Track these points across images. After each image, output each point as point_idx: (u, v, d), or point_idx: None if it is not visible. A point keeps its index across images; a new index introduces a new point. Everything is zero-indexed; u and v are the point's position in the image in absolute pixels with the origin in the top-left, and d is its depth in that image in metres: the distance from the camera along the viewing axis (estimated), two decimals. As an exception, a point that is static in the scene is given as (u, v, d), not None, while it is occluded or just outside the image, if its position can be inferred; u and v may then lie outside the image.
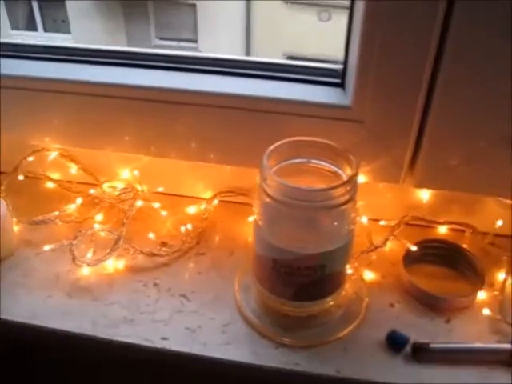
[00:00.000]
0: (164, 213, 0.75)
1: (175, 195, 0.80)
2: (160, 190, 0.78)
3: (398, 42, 0.58)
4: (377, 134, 0.66)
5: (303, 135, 0.62)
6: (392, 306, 0.67)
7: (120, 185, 0.78)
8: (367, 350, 0.62)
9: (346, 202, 0.55)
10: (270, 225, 0.59)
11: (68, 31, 5.02)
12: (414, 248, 0.69)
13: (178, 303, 0.66)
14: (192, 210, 0.76)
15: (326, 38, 3.99)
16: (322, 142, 0.60)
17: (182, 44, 4.79)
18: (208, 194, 0.78)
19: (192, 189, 0.79)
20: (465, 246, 0.72)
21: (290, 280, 0.60)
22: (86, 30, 4.90)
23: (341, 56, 0.68)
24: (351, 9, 0.64)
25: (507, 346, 0.61)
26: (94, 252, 0.70)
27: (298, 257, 0.58)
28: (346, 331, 0.63)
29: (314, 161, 0.61)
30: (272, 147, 0.59)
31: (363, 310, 0.65)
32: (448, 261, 0.71)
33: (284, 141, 0.60)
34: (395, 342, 0.62)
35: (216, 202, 0.77)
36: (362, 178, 0.67)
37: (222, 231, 0.76)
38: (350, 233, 0.59)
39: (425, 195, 0.73)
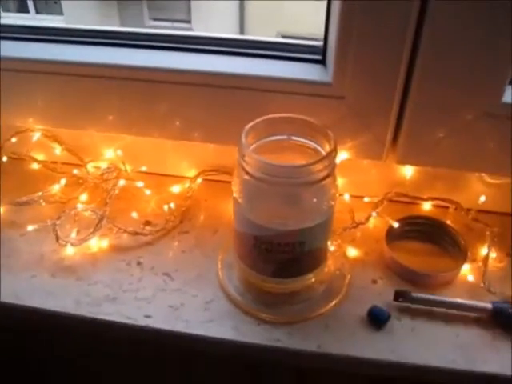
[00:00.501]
0: (148, 192, 0.75)
1: (159, 174, 0.80)
2: (144, 169, 0.78)
3: (377, 17, 0.58)
4: (358, 111, 0.66)
5: (284, 112, 0.62)
6: (374, 282, 0.67)
7: (104, 165, 0.77)
8: (349, 326, 0.62)
9: (325, 178, 0.55)
10: (249, 202, 0.59)
11: (60, 12, 4.98)
12: (396, 224, 0.69)
13: (161, 281, 0.66)
14: (176, 188, 0.76)
15: (320, 17, 3.95)
16: (300, 119, 0.60)
17: (176, 25, 4.74)
18: (192, 173, 0.78)
19: (176, 168, 0.79)
20: (448, 222, 0.72)
21: (270, 256, 0.60)
22: (79, 11, 4.86)
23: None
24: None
25: (487, 304, 0.61)
26: (78, 232, 0.70)
27: (278, 233, 0.58)
28: (327, 307, 0.63)
29: (293, 137, 0.61)
30: (250, 124, 0.59)
31: (345, 287, 0.66)
32: (431, 237, 0.71)
33: (262, 118, 0.60)
34: (376, 318, 0.62)
35: (200, 180, 0.77)
36: (344, 155, 0.68)
37: (205, 210, 0.76)
38: (330, 209, 0.59)
39: (408, 171, 0.73)
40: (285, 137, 0.61)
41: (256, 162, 0.56)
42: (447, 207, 0.73)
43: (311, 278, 0.63)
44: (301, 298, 0.64)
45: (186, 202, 0.75)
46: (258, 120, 0.60)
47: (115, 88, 0.70)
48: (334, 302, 0.64)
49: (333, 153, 0.56)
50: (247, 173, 0.56)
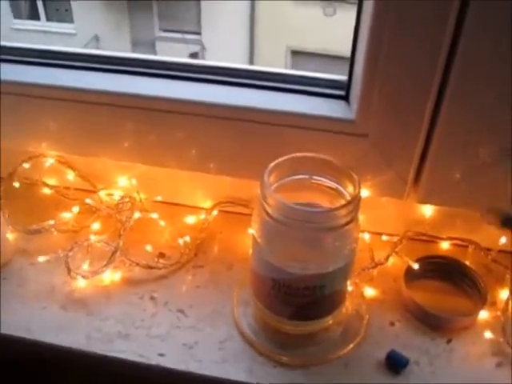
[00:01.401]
0: (162, 223, 0.74)
1: (174, 204, 0.78)
2: (158, 198, 0.77)
3: (405, 52, 0.57)
4: (381, 148, 0.65)
5: (305, 149, 0.61)
6: (392, 324, 0.65)
7: (118, 192, 0.76)
8: (367, 370, 0.60)
9: (349, 223, 0.54)
10: (269, 243, 0.58)
11: (71, 20, 5.00)
12: (416, 266, 0.68)
13: (174, 318, 0.65)
14: (191, 219, 0.75)
15: (330, 32, 3.97)
16: (323, 159, 0.59)
17: (186, 36, 4.76)
18: (207, 204, 0.77)
19: (191, 198, 0.78)
20: (467, 262, 0.70)
21: (289, 300, 0.59)
22: (89, 19, 4.88)
23: (344, 50, 0.67)
24: (358, 16, 0.62)
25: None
26: (90, 263, 0.69)
27: (298, 277, 0.56)
28: (345, 350, 0.62)
29: (315, 177, 0.60)
30: (273, 164, 0.58)
31: (363, 328, 0.64)
32: (450, 277, 0.70)
33: (285, 157, 0.59)
34: (395, 363, 0.61)
35: (215, 212, 0.75)
36: (364, 193, 0.66)
37: (220, 243, 0.74)
38: (352, 252, 0.58)
39: (428, 210, 0.71)
40: (307, 176, 0.60)
41: (278, 204, 0.54)
42: (466, 247, 0.72)
43: (329, 320, 0.62)
44: (318, 339, 0.63)
45: (200, 235, 0.73)
46: (281, 159, 0.58)
47: (130, 116, 0.69)
48: (351, 346, 0.62)
49: (357, 197, 0.54)
50: (268, 214, 0.55)
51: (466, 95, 0.58)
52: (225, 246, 0.74)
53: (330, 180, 0.59)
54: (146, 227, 0.74)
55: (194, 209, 0.77)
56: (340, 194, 0.58)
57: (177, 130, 0.69)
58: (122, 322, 0.64)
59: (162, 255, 0.72)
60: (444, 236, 0.72)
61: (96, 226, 0.74)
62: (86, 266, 0.68)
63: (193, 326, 0.64)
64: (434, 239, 0.73)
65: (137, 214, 0.72)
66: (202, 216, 0.75)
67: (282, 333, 0.62)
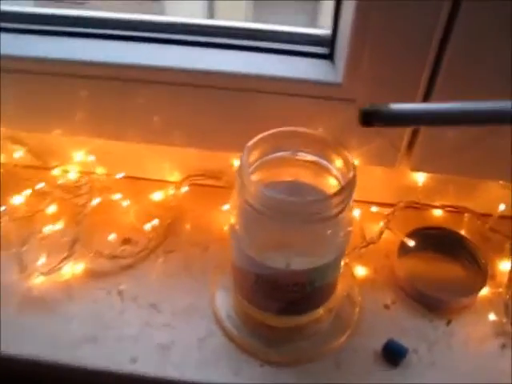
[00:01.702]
0: (126, 202, 0.66)
1: (138, 179, 0.70)
2: (120, 176, 0.68)
3: (403, 9, 0.48)
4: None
5: (284, 117, 0.53)
6: (387, 307, 0.60)
7: (74, 169, 0.67)
8: (362, 364, 0.55)
9: (342, 211, 0.47)
10: (249, 234, 0.50)
11: None
12: (410, 242, 0.61)
13: (146, 314, 0.58)
14: (158, 196, 0.67)
15: None
16: (308, 133, 0.51)
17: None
18: (176, 177, 0.69)
19: (157, 171, 0.69)
20: (463, 231, 0.65)
21: (274, 295, 0.52)
22: None
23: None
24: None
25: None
26: (47, 256, 0.61)
27: (284, 273, 0.50)
28: (338, 342, 0.56)
29: (299, 153, 0.52)
30: (251, 143, 0.49)
31: (356, 315, 0.58)
32: (447, 251, 0.64)
33: (264, 134, 0.50)
34: (394, 354, 0.55)
35: (185, 188, 0.68)
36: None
37: (193, 221, 0.67)
38: (345, 241, 0.51)
39: (420, 177, 0.65)
40: (289, 153, 0.52)
41: (259, 193, 0.47)
42: (462, 214, 0.66)
43: (320, 311, 0.56)
44: (307, 332, 0.57)
45: (170, 214, 0.65)
46: (260, 136, 0.50)
47: (83, 86, 0.59)
48: (344, 336, 0.57)
49: (352, 182, 0.47)
50: (247, 203, 0.47)
51: (464, 61, 0.51)
52: (198, 225, 0.66)
53: (317, 156, 0.51)
54: (108, 209, 0.66)
55: (162, 183, 0.69)
56: (327, 171, 0.51)
57: (136, 100, 0.59)
58: (89, 323, 0.57)
59: (127, 241, 0.64)
60: (437, 204, 0.66)
61: (51, 209, 0.65)
62: (43, 259, 0.60)
63: (167, 323, 0.57)
64: (427, 208, 0.67)
65: (96, 198, 0.64)
66: (171, 191, 0.67)
67: (267, 327, 0.56)
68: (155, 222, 0.64)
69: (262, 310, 0.55)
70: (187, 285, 0.60)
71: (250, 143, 0.49)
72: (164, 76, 0.57)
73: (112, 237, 0.62)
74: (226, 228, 0.65)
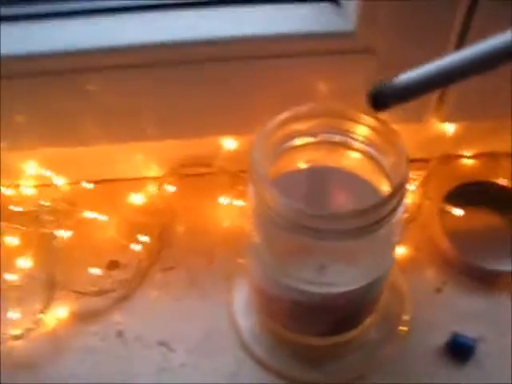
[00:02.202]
0: (103, 217, 0.53)
1: (110, 181, 0.57)
2: (87, 185, 0.55)
3: None
4: (394, 65, 0.45)
5: (287, 87, 0.42)
6: (439, 290, 0.50)
7: (26, 184, 0.54)
8: (424, 367, 0.46)
9: (393, 213, 0.36)
10: (277, 257, 0.39)
11: None
12: (457, 212, 0.51)
13: (158, 357, 0.47)
14: (138, 200, 0.54)
15: None
16: (334, 109, 0.39)
17: None
18: (155, 171, 0.56)
19: (131, 168, 0.56)
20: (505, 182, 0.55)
21: (317, 319, 0.42)
22: None
23: None
24: None
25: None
26: (21, 311, 0.48)
27: (326, 297, 0.39)
28: (391, 347, 0.47)
29: (324, 135, 0.40)
30: (261, 133, 0.37)
31: (406, 311, 0.49)
32: (495, 207, 0.53)
33: (278, 117, 0.38)
34: (459, 350, 0.46)
35: (170, 185, 0.55)
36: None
37: (188, 225, 0.54)
38: (396, 244, 0.40)
39: (449, 128, 0.54)
40: (311, 138, 0.40)
41: (284, 207, 0.35)
42: (497, 162, 0.56)
43: (367, 323, 0.46)
44: (354, 344, 0.47)
45: (158, 220, 0.53)
46: (271, 124, 0.38)
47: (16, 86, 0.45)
48: (397, 340, 0.47)
49: (405, 179, 0.35)
50: (273, 221, 0.36)
51: None
52: (195, 228, 0.54)
53: (347, 136, 0.40)
54: (82, 231, 0.53)
55: (139, 182, 0.56)
56: (366, 155, 0.40)
57: (88, 93, 0.46)
58: (90, 381, 0.46)
59: (113, 265, 0.52)
60: (469, 154, 0.56)
61: (10, 245, 0.52)
62: (13, 317, 0.48)
63: (185, 362, 0.47)
64: (458, 160, 0.56)
65: (65, 219, 0.51)
66: (153, 191, 0.54)
67: (306, 346, 0.46)
68: (143, 236, 0.51)
69: (300, 335, 0.44)
70: (198, 308, 0.49)
71: (261, 133, 0.37)
72: (124, 57, 0.44)
73: (94, 267, 0.50)
74: (228, 224, 0.54)
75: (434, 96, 0.48)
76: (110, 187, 0.56)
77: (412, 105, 0.47)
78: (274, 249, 0.40)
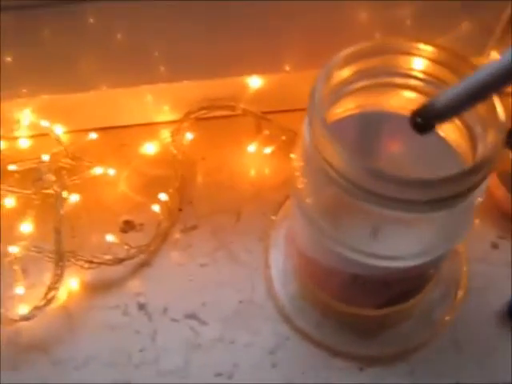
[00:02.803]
0: (111, 172, 0.46)
1: (115, 128, 0.49)
2: (91, 135, 0.47)
3: None
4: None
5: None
6: (495, 246, 0.45)
7: (25, 137, 0.46)
8: (485, 334, 0.42)
9: (472, 190, 0.29)
10: (336, 223, 0.33)
11: None
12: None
13: (187, 331, 0.42)
14: (152, 149, 0.47)
15: None
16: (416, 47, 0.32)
17: None
18: (169, 115, 0.48)
19: (142, 113, 0.49)
20: None
21: (379, 293, 0.36)
22: None
23: None
24: None
25: None
26: (27, 284, 0.42)
27: (394, 271, 0.33)
28: (448, 315, 0.42)
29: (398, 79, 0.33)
30: (329, 67, 0.30)
31: (463, 271, 0.43)
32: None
33: (346, 50, 0.31)
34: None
35: (188, 131, 0.48)
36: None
37: (210, 178, 0.48)
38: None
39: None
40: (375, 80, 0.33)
41: (351, 169, 0.28)
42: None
43: (425, 290, 0.40)
44: (410, 312, 0.42)
45: (175, 172, 0.46)
46: (341, 54, 0.30)
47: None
48: (455, 306, 0.42)
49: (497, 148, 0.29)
50: (334, 179, 0.29)
51: None
52: (218, 180, 0.47)
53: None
54: (89, 189, 0.46)
55: (150, 128, 0.49)
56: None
57: (85, 29, 0.38)
58: (112, 364, 0.41)
59: (128, 226, 0.45)
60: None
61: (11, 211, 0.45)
62: (20, 291, 0.42)
63: (220, 337, 0.41)
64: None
65: (70, 178, 0.44)
66: (168, 138, 0.47)
67: (360, 317, 0.41)
68: (162, 196, 0.45)
69: (356, 307, 0.39)
70: (228, 274, 0.44)
71: (329, 67, 0.30)
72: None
73: (107, 231, 0.44)
74: (255, 175, 0.47)
75: (497, 25, 0.41)
76: (117, 136, 0.48)
77: (473, 36, 0.41)
78: (331, 213, 0.33)
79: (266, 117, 0.47)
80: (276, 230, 0.44)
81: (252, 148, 0.47)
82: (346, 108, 0.35)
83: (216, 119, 0.48)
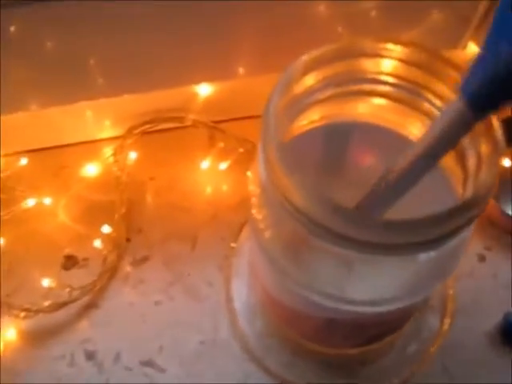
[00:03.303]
0: (48, 200, 0.41)
1: (51, 149, 0.43)
2: (23, 162, 0.41)
3: None
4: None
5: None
6: (482, 259, 0.41)
7: None
8: (475, 356, 0.37)
9: (463, 228, 0.24)
10: (300, 262, 0.28)
11: None
12: (506, 162, 0.40)
13: (143, 380, 0.37)
14: (92, 170, 0.42)
15: None
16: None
17: None
18: (110, 130, 0.43)
19: (80, 130, 0.43)
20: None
21: (356, 335, 0.32)
22: None
23: None
24: None
25: None
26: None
27: (371, 316, 0.29)
28: (434, 347, 0.38)
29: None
30: (281, 82, 0.25)
31: (449, 292, 0.39)
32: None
33: (310, 54, 0.26)
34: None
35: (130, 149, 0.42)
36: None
37: (159, 199, 0.42)
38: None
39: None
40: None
41: (312, 206, 0.23)
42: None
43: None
44: (390, 347, 0.37)
45: (121, 196, 0.41)
46: (304, 58, 0.26)
47: None
48: (440, 335, 0.38)
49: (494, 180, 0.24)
50: (292, 215, 0.24)
51: None
52: (169, 202, 0.42)
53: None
54: (25, 222, 0.40)
55: (92, 146, 0.43)
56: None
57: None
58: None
59: (70, 261, 0.40)
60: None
61: None
62: None
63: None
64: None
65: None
66: (109, 156, 0.42)
67: (335, 356, 0.37)
68: (105, 228, 0.39)
69: (330, 348, 0.35)
70: (187, 311, 0.39)
71: (288, 76, 0.25)
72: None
73: (45, 270, 0.38)
74: (211, 194, 0.42)
75: (474, 14, 0.36)
76: (53, 157, 0.43)
77: (447, 25, 0.36)
78: (294, 251, 0.29)
79: (218, 127, 0.42)
80: (237, 257, 0.39)
81: (206, 163, 0.41)
82: (309, 120, 0.30)
83: (163, 133, 0.42)
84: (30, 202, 0.39)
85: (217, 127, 0.42)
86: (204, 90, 0.40)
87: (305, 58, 0.26)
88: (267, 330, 0.37)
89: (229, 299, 0.38)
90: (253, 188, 0.28)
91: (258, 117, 0.40)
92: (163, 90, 0.38)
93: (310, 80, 0.26)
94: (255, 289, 0.36)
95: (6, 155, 0.42)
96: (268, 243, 0.28)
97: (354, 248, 0.24)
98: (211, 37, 0.36)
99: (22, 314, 0.37)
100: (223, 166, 0.42)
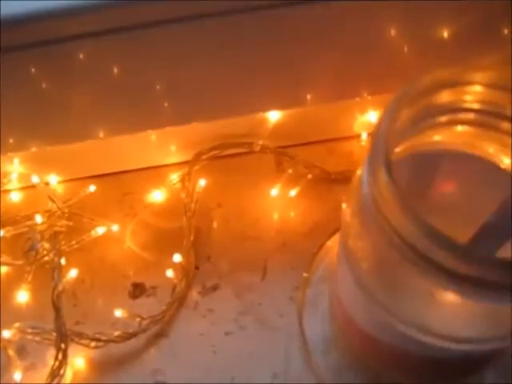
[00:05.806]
0: (115, 227, 0.40)
1: (117, 174, 0.43)
2: (91, 189, 0.41)
3: None
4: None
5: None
6: None
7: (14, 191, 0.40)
8: None
9: None
10: (395, 297, 0.27)
11: None
12: None
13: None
14: (158, 197, 0.41)
15: None
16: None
17: None
18: (177, 156, 0.42)
19: (145, 155, 0.43)
20: None
21: (436, 369, 0.30)
22: None
23: None
24: None
25: None
26: (27, 360, 0.36)
27: (467, 353, 0.27)
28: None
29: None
30: (393, 104, 0.24)
31: None
32: None
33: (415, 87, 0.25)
34: None
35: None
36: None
37: (228, 227, 0.41)
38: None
39: None
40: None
41: (421, 239, 0.22)
42: None
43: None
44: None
45: (189, 224, 0.40)
46: (405, 90, 0.25)
47: None
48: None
49: None
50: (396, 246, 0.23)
51: None
52: (237, 230, 0.41)
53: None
54: (92, 250, 0.40)
55: (158, 172, 0.43)
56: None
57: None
58: None
59: (138, 289, 0.39)
60: None
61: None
62: (18, 377, 0.36)
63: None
64: None
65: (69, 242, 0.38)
66: (176, 184, 0.41)
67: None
68: (176, 257, 0.38)
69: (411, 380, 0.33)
70: (256, 341, 0.38)
71: (392, 103, 0.24)
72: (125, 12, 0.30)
73: (113, 299, 0.38)
74: (281, 222, 0.41)
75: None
76: (118, 183, 0.42)
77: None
78: (392, 284, 0.27)
79: (286, 153, 0.41)
80: (310, 288, 0.38)
81: (274, 190, 0.41)
82: (402, 148, 0.30)
83: (231, 159, 0.42)
84: (100, 230, 0.39)
85: (285, 153, 0.41)
86: (272, 115, 0.39)
87: (407, 89, 0.25)
88: (343, 363, 0.36)
89: (301, 330, 0.37)
90: (348, 219, 0.27)
91: (323, 141, 0.40)
92: (232, 117, 0.38)
93: (411, 111, 0.25)
94: (336, 320, 0.35)
95: (72, 179, 0.41)
96: (363, 276, 0.27)
97: (461, 285, 0.23)
98: (280, 64, 0.35)
99: (93, 344, 0.36)
100: (292, 193, 0.41)
